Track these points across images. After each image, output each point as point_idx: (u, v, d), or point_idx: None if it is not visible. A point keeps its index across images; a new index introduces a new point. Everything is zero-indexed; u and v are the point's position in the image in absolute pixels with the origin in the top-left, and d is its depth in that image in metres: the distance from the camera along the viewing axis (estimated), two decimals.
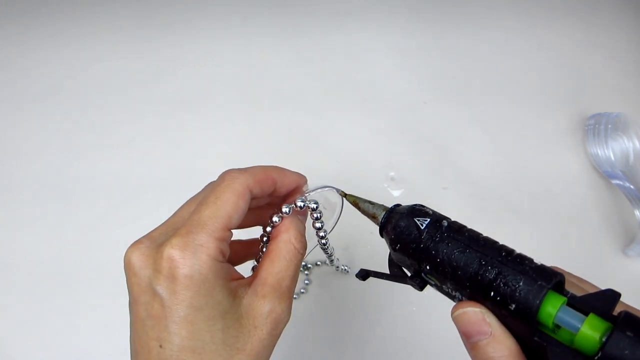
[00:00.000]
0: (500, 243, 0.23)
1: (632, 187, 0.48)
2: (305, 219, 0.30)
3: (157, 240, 0.25)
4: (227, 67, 0.65)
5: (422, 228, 0.24)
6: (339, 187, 0.32)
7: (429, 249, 0.23)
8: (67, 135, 0.58)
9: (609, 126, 0.52)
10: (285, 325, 0.26)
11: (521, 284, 0.20)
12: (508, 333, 0.21)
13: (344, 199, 0.31)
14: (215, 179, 0.27)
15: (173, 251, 0.23)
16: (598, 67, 0.64)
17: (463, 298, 0.23)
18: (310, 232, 0.30)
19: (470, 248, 0.22)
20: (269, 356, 0.26)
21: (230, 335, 0.23)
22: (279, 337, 0.26)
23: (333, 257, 0.38)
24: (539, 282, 0.20)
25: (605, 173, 0.51)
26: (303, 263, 0.46)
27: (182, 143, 0.57)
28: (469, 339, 0.21)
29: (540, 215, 0.50)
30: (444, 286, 0.23)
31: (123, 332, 0.25)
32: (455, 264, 0.22)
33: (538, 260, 0.21)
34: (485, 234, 0.24)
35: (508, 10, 0.72)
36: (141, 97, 0.62)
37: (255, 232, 0.31)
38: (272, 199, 0.31)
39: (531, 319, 0.20)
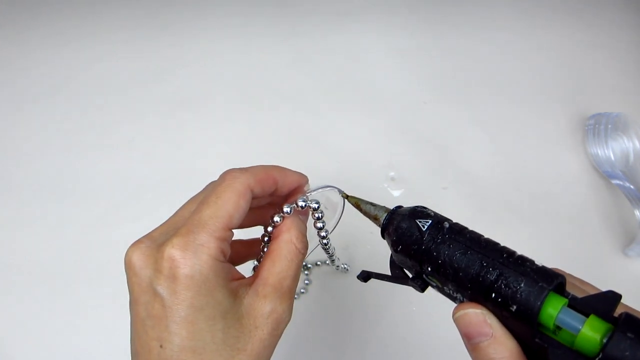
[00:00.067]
0: (502, 245, 0.23)
1: (632, 187, 0.48)
2: (307, 218, 0.30)
3: (157, 240, 0.25)
4: (227, 67, 0.65)
5: (424, 230, 0.24)
6: (339, 187, 0.32)
7: (430, 250, 0.23)
8: (67, 135, 0.58)
9: (609, 126, 0.52)
10: (286, 325, 0.26)
11: (522, 285, 0.20)
12: (509, 334, 0.21)
13: (346, 200, 0.31)
14: (215, 179, 0.27)
15: (174, 251, 0.23)
16: (598, 67, 0.64)
17: (464, 299, 0.23)
18: (311, 232, 0.30)
19: (472, 250, 0.22)
20: (270, 356, 0.25)
21: (231, 336, 0.23)
22: (280, 337, 0.26)
23: (334, 257, 0.38)
24: (540, 284, 0.20)
25: (605, 173, 0.51)
26: (303, 263, 0.46)
27: (182, 143, 0.57)
28: (470, 340, 0.21)
29: (540, 215, 0.50)
30: (445, 288, 0.23)
31: (123, 332, 0.25)
32: (456, 265, 0.22)
33: (539, 261, 0.21)
34: (485, 234, 0.24)
35: (508, 10, 0.72)
36: (141, 97, 0.62)
37: (256, 232, 0.31)
38: (273, 198, 0.31)
39: (532, 321, 0.20)
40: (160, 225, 0.27)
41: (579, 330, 0.19)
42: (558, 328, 0.20)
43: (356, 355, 0.42)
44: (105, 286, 0.44)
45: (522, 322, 0.20)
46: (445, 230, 0.24)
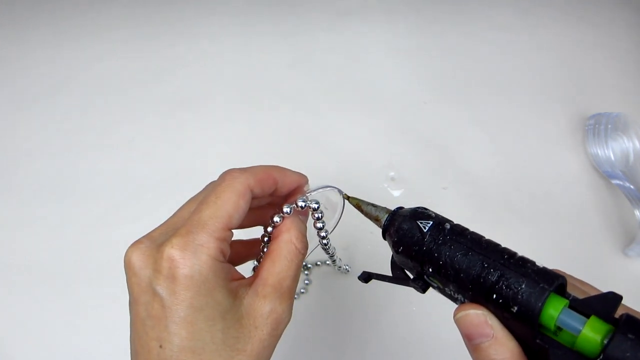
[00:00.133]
0: (503, 246, 0.23)
1: (632, 187, 0.48)
2: (307, 219, 0.30)
3: (157, 240, 0.25)
4: (227, 67, 0.65)
5: (425, 231, 0.24)
6: (339, 187, 0.32)
7: (431, 251, 0.23)
8: (67, 135, 0.58)
9: (609, 126, 0.52)
10: (286, 325, 0.26)
11: (523, 286, 0.20)
12: (510, 335, 0.21)
13: (347, 201, 0.31)
14: (215, 179, 0.27)
15: (173, 251, 0.23)
16: (598, 67, 0.64)
17: (465, 300, 0.23)
18: (311, 232, 0.30)
19: (473, 251, 0.22)
20: (270, 356, 0.25)
21: (231, 336, 0.23)
22: (279, 337, 0.26)
23: (335, 257, 0.38)
24: (541, 285, 0.20)
25: (605, 173, 0.51)
26: (303, 263, 0.46)
27: (182, 143, 0.57)
28: (471, 341, 0.21)
29: (540, 215, 0.50)
30: (446, 289, 0.23)
31: (123, 332, 0.25)
32: (457, 266, 0.22)
33: (540, 262, 0.21)
34: (485, 234, 0.24)
35: (508, 10, 0.72)
36: (141, 97, 0.62)
37: (256, 232, 0.31)
38: (273, 198, 0.31)
39: (533, 321, 0.20)
40: (160, 226, 0.27)
41: (579, 331, 0.19)
42: (559, 329, 0.20)
43: (356, 355, 0.42)
44: (105, 286, 0.44)
45: (523, 323, 0.20)
46: (446, 231, 0.24)
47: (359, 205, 0.30)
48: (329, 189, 0.31)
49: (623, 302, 0.20)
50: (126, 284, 0.25)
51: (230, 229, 0.25)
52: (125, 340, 0.25)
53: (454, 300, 0.24)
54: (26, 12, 0.74)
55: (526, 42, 0.67)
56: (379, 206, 0.28)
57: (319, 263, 0.46)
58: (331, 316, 0.44)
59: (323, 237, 0.31)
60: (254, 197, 0.27)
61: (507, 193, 0.52)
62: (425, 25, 0.70)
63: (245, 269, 0.30)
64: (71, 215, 0.51)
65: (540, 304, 0.19)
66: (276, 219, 0.28)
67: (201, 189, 0.29)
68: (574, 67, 0.64)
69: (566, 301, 0.20)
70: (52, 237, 0.50)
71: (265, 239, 0.29)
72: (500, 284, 0.21)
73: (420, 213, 0.25)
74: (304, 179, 0.31)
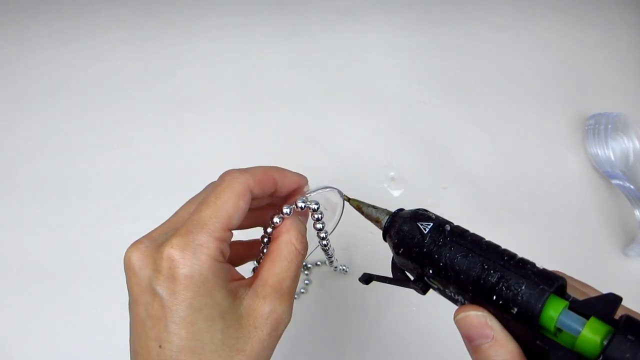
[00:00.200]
0: (503, 247, 0.23)
1: (632, 187, 0.48)
2: (306, 219, 0.30)
3: (157, 240, 0.25)
4: (227, 67, 0.65)
5: (425, 232, 0.24)
6: (339, 188, 0.32)
7: (431, 253, 0.23)
8: (67, 135, 0.58)
9: (609, 126, 0.52)
10: (286, 326, 0.26)
11: (523, 287, 0.20)
12: (510, 336, 0.21)
13: (347, 202, 0.31)
14: (215, 179, 0.27)
15: (173, 251, 0.23)
16: (598, 67, 0.64)
17: (465, 302, 0.23)
18: (310, 233, 0.30)
19: (473, 252, 0.22)
20: (270, 357, 0.25)
21: (230, 336, 0.23)
22: (279, 338, 0.26)
23: (333, 259, 0.38)
24: (541, 286, 0.20)
25: (605, 173, 0.51)
26: (303, 263, 0.46)
27: (182, 143, 0.57)
28: (472, 342, 0.22)
29: (540, 215, 0.50)
30: (446, 290, 0.24)
31: (123, 332, 0.25)
32: (457, 268, 0.22)
33: (540, 264, 0.21)
34: (485, 234, 0.24)
35: (508, 10, 0.72)
36: (141, 97, 0.62)
37: (256, 233, 0.31)
38: (272, 199, 0.31)
39: (533, 323, 0.20)
40: (160, 226, 0.27)
41: (579, 333, 0.19)
42: (559, 330, 0.20)
43: (356, 355, 0.42)
44: (105, 286, 0.44)
45: (523, 324, 0.20)
46: (446, 233, 0.24)
47: (360, 207, 0.30)
48: (328, 189, 0.31)
49: (623, 302, 0.20)
50: (126, 284, 0.25)
51: (230, 230, 0.25)
52: (125, 341, 0.25)
53: (454, 301, 0.24)
54: (26, 12, 0.74)
55: (526, 42, 0.67)
56: (380, 208, 0.28)
57: (318, 263, 0.46)
58: (331, 316, 0.44)
59: (323, 238, 0.31)
60: (253, 198, 0.27)
61: (507, 193, 0.52)
62: (425, 25, 0.70)
63: (245, 269, 0.30)
64: (71, 215, 0.51)
65: (540, 305, 0.20)
66: (276, 219, 0.28)
67: (201, 189, 0.29)
68: (574, 67, 0.64)
69: (566, 302, 0.20)
70: (52, 237, 0.50)
71: (265, 239, 0.29)
72: (501, 285, 0.21)
73: (421, 215, 0.25)
74: (303, 180, 0.31)
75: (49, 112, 0.61)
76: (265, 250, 0.28)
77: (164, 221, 0.27)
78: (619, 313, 0.19)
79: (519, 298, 0.20)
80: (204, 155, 0.56)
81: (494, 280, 0.21)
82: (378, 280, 0.28)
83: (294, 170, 0.30)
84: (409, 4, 0.72)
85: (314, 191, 0.31)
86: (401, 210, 0.27)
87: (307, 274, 0.46)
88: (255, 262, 0.31)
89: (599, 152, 0.52)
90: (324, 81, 0.63)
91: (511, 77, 0.63)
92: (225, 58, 0.66)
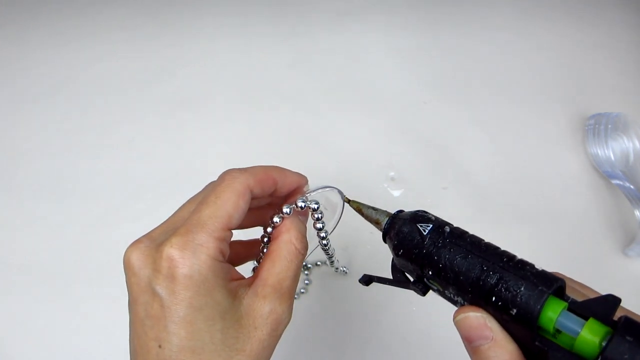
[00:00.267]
0: (502, 249, 0.23)
1: (632, 187, 0.48)
2: (306, 219, 0.30)
3: (156, 240, 0.25)
4: (227, 67, 0.65)
5: (425, 234, 0.24)
6: (339, 188, 0.32)
7: (431, 254, 0.23)
8: (67, 135, 0.58)
9: (609, 126, 0.52)
10: (285, 326, 0.26)
11: (522, 289, 0.20)
12: (509, 338, 0.21)
13: (347, 204, 0.31)
14: (215, 179, 0.27)
15: (172, 251, 0.23)
16: (598, 67, 0.64)
17: (465, 303, 0.23)
18: (310, 233, 0.30)
19: (472, 254, 0.22)
20: (270, 357, 0.25)
21: (230, 336, 0.23)
22: (279, 338, 0.26)
23: (333, 258, 0.38)
24: (540, 288, 0.20)
25: (605, 173, 0.51)
26: (303, 263, 0.46)
27: (182, 143, 0.57)
28: (471, 344, 0.22)
29: (540, 215, 0.50)
30: (446, 291, 0.24)
31: (123, 332, 0.25)
32: (457, 269, 0.22)
33: (539, 265, 0.21)
34: (485, 234, 0.24)
35: (508, 10, 0.72)
36: (141, 97, 0.62)
37: (255, 232, 0.31)
38: (272, 199, 0.31)
39: (532, 324, 0.20)
40: (160, 225, 0.27)
41: (578, 334, 0.19)
42: (558, 331, 0.20)
43: (356, 355, 0.42)
44: (105, 286, 0.44)
45: (522, 325, 0.20)
46: (446, 234, 0.24)
47: (360, 208, 0.30)
48: (328, 189, 0.31)
49: (623, 302, 0.20)
50: (125, 283, 0.25)
51: (229, 229, 0.25)
52: (125, 340, 0.25)
53: (454, 302, 0.24)
54: (26, 12, 0.74)
55: (526, 42, 0.67)
56: (380, 209, 0.29)
57: (318, 263, 0.46)
58: (331, 316, 0.44)
59: (323, 238, 0.31)
60: (253, 198, 0.27)
61: (507, 193, 0.52)
62: (425, 25, 0.70)
63: (245, 269, 0.30)
64: (71, 215, 0.51)
65: (539, 307, 0.20)
66: (276, 219, 0.28)
67: (201, 189, 0.29)
68: (574, 67, 0.64)
69: (565, 304, 0.20)
70: (52, 237, 0.50)
71: (265, 239, 0.29)
72: (500, 286, 0.21)
73: (420, 216, 0.25)
74: (303, 180, 0.31)
75: (49, 112, 0.61)
76: (265, 250, 0.28)
77: (163, 221, 0.27)
78: (618, 314, 0.19)
79: (518, 299, 0.20)
80: (204, 155, 0.56)
81: (493, 281, 0.21)
82: (378, 282, 0.29)
83: (294, 170, 0.30)
84: (409, 4, 0.72)
85: (314, 191, 0.31)
86: (401, 211, 0.27)
87: (307, 274, 0.46)
88: (255, 262, 0.31)
89: (599, 152, 0.52)
90: (324, 81, 0.63)
91: (511, 77, 0.63)
92: (226, 58, 0.66)
